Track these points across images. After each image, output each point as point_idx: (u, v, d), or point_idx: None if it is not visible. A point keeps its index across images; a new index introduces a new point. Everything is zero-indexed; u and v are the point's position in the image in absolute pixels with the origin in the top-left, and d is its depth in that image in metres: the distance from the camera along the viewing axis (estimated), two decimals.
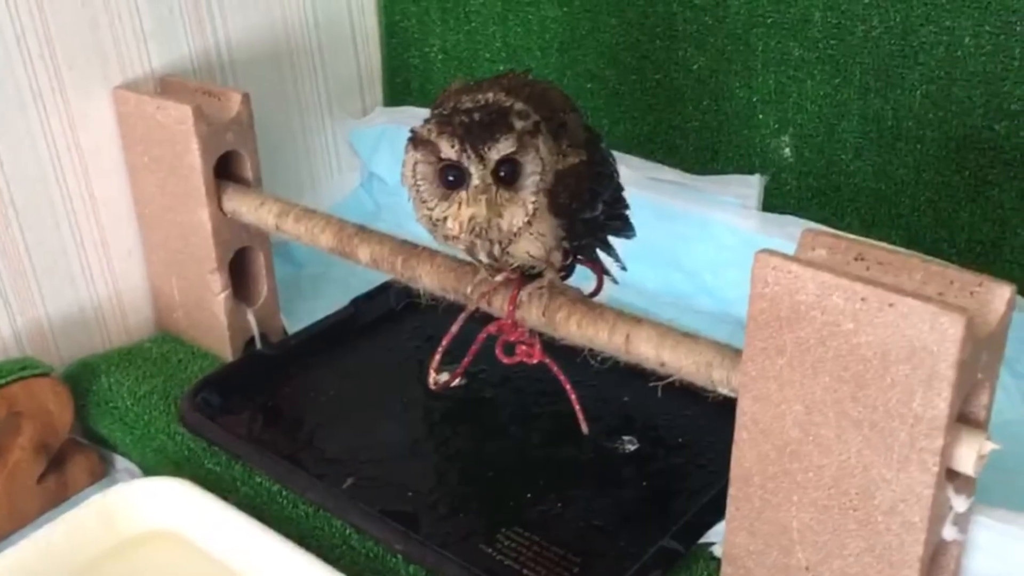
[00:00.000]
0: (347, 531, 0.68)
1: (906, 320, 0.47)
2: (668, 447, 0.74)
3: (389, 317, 0.92)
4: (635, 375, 0.80)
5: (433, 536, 0.66)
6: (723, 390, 0.58)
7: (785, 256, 0.51)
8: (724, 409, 0.74)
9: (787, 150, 0.83)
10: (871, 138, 0.79)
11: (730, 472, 0.56)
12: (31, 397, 0.79)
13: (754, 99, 0.84)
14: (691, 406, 0.77)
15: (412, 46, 1.08)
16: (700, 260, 0.86)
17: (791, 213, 0.82)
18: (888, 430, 0.49)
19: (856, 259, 0.52)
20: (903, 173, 0.78)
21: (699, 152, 0.89)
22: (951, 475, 0.49)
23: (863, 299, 0.48)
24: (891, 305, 0.47)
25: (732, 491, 0.57)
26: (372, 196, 1.11)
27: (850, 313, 0.48)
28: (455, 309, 0.71)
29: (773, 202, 0.84)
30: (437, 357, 0.69)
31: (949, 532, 0.50)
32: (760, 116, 0.84)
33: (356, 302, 0.92)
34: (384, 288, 0.94)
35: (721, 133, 0.87)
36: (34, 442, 0.80)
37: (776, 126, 0.83)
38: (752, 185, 0.85)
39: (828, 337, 0.50)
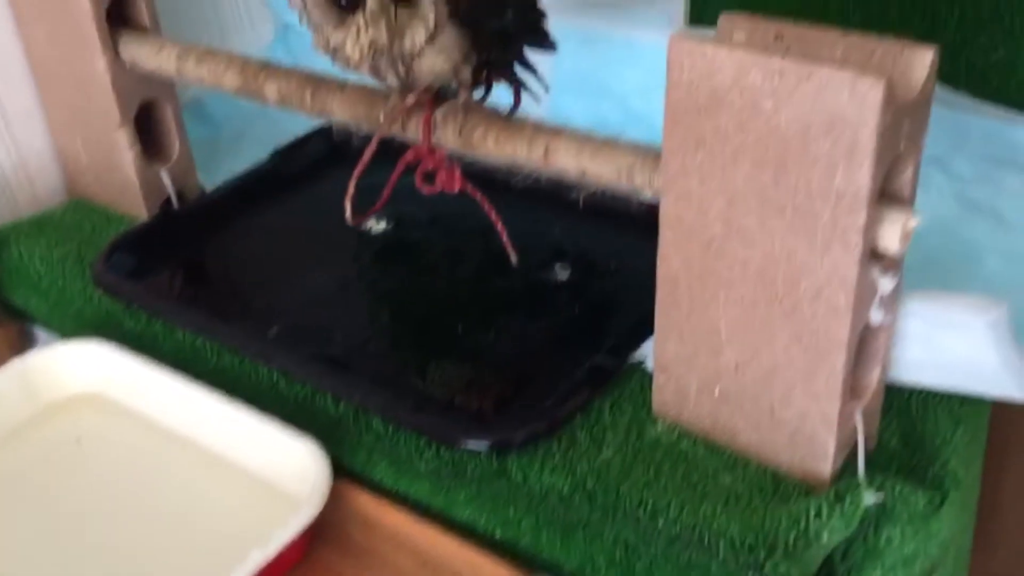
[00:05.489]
0: (274, 377, 0.66)
1: (825, 91, 0.44)
2: (600, 273, 0.72)
3: (311, 169, 0.89)
4: (567, 204, 0.78)
5: (362, 375, 0.65)
6: (647, 195, 0.56)
7: (700, 39, 0.48)
8: (655, 231, 0.73)
9: None
10: None
11: (657, 278, 0.55)
12: None
13: None
14: (623, 232, 0.75)
15: None
16: (628, 85, 0.82)
17: None
18: (810, 212, 0.47)
19: (776, 38, 0.49)
20: None
21: None
22: (877, 257, 0.48)
23: (780, 74, 0.45)
24: (809, 77, 0.44)
25: (659, 297, 0.55)
26: (289, 50, 1.05)
27: (768, 91, 0.46)
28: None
29: (700, 15, 0.81)
30: (352, 187, 0.66)
31: (876, 316, 0.49)
32: None
33: (276, 155, 0.89)
34: (306, 139, 0.90)
35: None
36: None
37: None
38: None
39: (747, 120, 0.47)
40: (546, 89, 0.66)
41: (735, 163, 0.48)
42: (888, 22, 0.74)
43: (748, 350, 0.52)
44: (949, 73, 0.73)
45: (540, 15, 0.63)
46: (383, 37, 0.54)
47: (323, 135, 0.91)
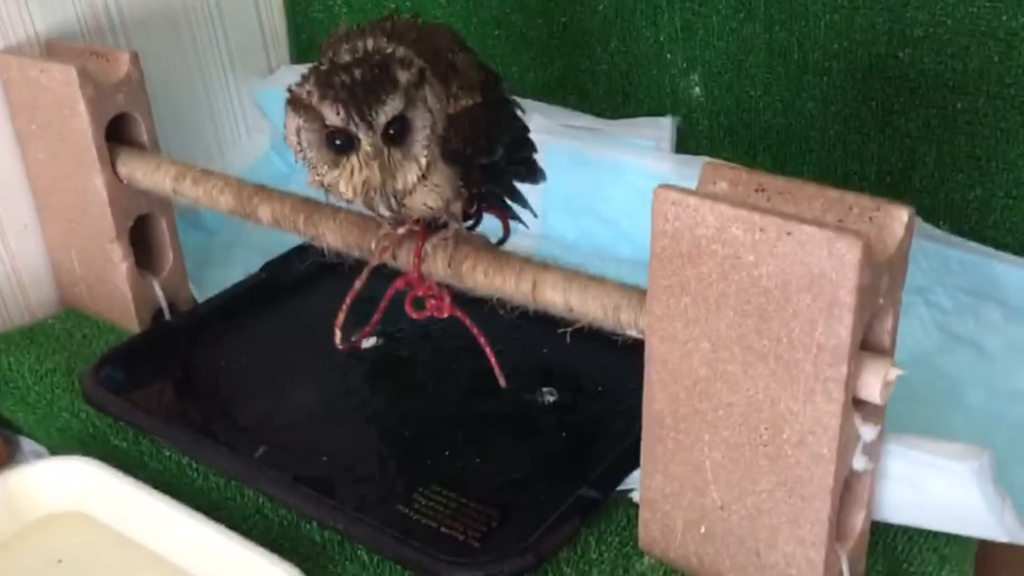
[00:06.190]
0: (260, 500, 0.66)
1: (804, 248, 0.45)
2: (587, 396, 0.72)
3: (304, 281, 0.89)
4: (554, 326, 0.79)
5: (347, 500, 0.64)
6: (632, 332, 0.56)
7: (684, 190, 0.50)
8: (641, 355, 0.73)
9: (697, 89, 0.81)
10: (778, 72, 0.78)
11: (642, 415, 0.55)
12: None
13: (661, 38, 0.82)
14: (610, 354, 0.75)
15: (315, 0, 1.04)
16: (616, 206, 0.84)
17: (704, 154, 0.81)
18: (792, 362, 0.48)
19: (757, 190, 0.51)
20: (811, 107, 0.77)
21: (610, 96, 0.87)
22: (859, 404, 0.49)
23: (761, 229, 0.47)
24: (789, 234, 0.46)
25: (645, 434, 0.56)
26: (284, 158, 1.07)
27: (749, 244, 0.47)
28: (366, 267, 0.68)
29: (686, 143, 0.83)
30: (342, 315, 0.67)
31: (859, 462, 0.50)
32: (668, 55, 0.82)
33: (268, 266, 0.89)
34: (298, 251, 0.91)
35: (631, 75, 0.85)
36: None
37: (685, 65, 0.82)
38: (664, 127, 0.83)
39: (730, 271, 0.48)
40: (535, 216, 0.68)
41: (719, 310, 0.49)
42: (868, 158, 0.77)
43: (733, 491, 0.52)
44: (929, 210, 0.75)
45: (531, 149, 0.65)
46: (376, 177, 0.56)
47: (315, 247, 0.92)
